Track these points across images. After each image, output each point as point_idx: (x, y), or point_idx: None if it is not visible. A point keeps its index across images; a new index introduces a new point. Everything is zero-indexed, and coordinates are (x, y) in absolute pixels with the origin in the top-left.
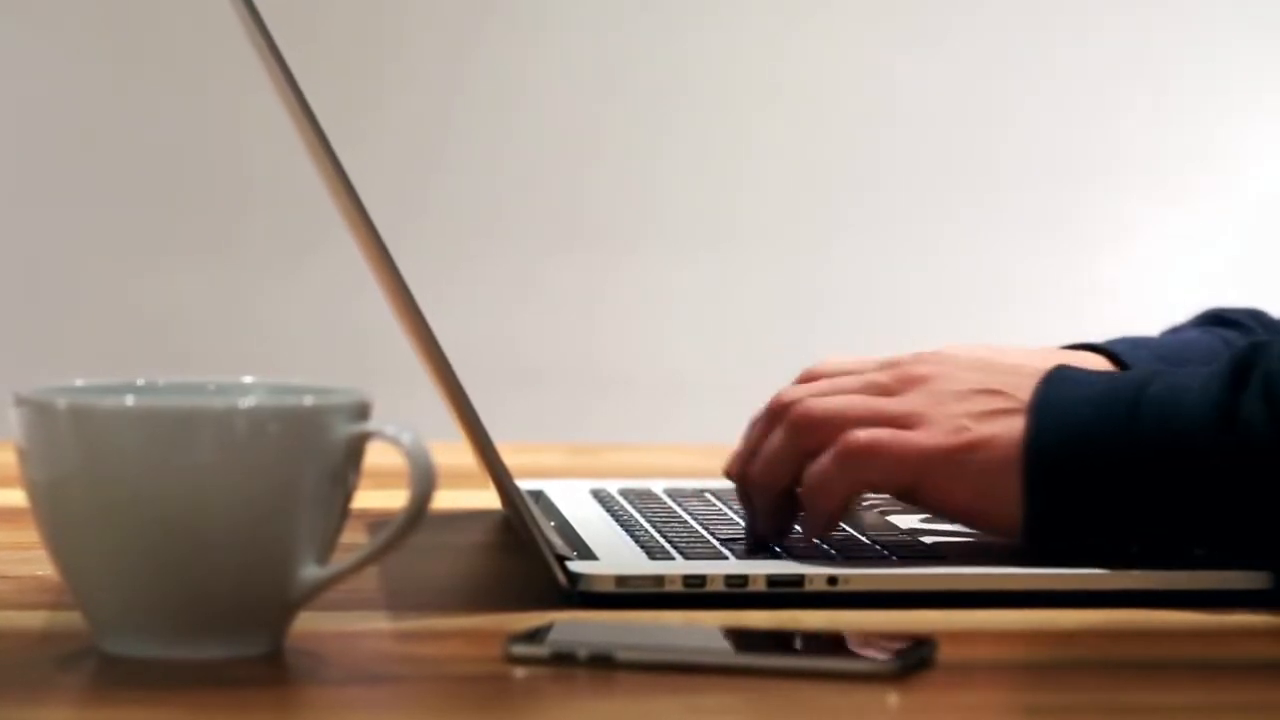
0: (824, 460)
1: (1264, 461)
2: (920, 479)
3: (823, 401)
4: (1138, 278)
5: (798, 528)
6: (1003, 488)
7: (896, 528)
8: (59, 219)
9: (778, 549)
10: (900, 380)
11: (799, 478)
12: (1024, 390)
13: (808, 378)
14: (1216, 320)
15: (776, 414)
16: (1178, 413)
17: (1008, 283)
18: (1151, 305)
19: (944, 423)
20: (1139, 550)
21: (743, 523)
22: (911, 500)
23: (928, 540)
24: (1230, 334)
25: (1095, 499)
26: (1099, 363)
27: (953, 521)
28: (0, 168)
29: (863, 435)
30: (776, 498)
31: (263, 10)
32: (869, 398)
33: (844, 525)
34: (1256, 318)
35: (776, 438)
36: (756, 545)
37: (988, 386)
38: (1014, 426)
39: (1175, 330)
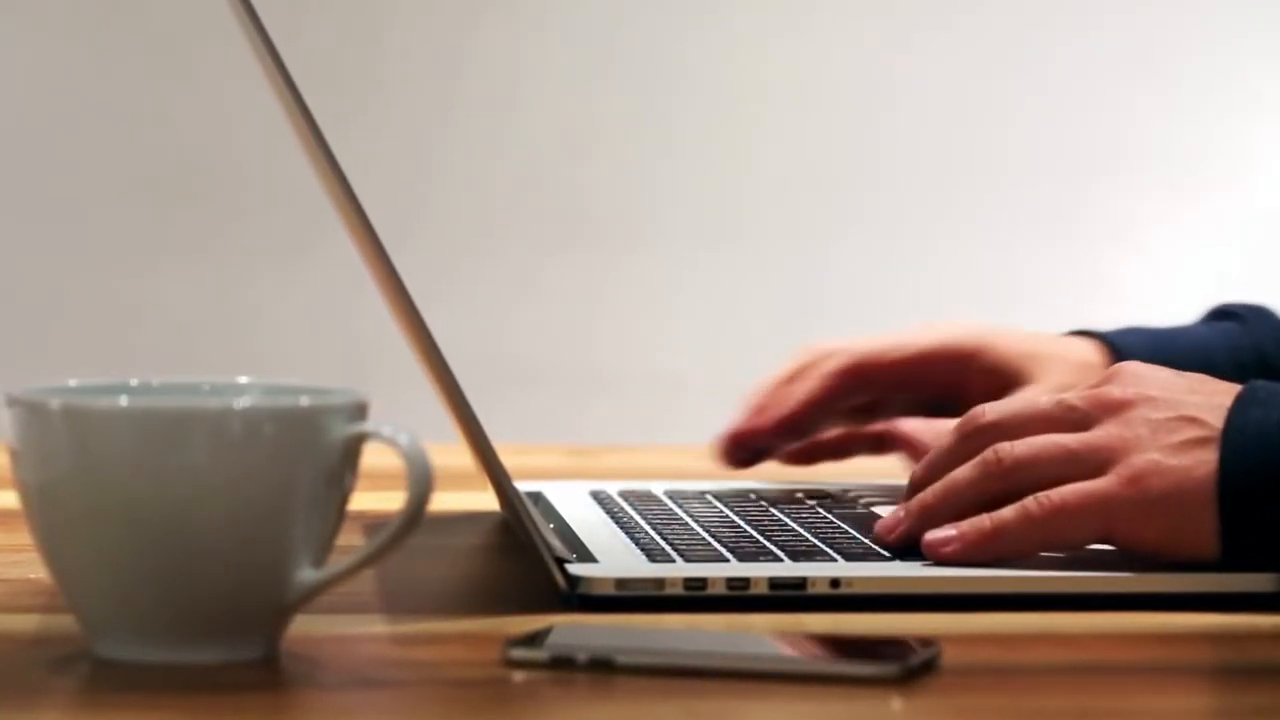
0: (1007, 519)
1: None
2: (1109, 527)
3: (1016, 448)
4: (1144, 275)
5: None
6: (1198, 520)
7: None
8: (54, 219)
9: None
10: (1098, 406)
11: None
12: (1218, 415)
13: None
14: (1223, 315)
15: (972, 435)
16: None
17: (1012, 281)
18: (1158, 302)
19: (1135, 460)
20: None
21: (747, 526)
22: (1106, 543)
23: None
24: (1228, 325)
25: None
26: (1088, 347)
27: (1144, 555)
28: (3, 171)
29: (1050, 501)
30: (946, 521)
31: (259, 8)
32: (1060, 437)
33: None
34: (1257, 311)
35: (965, 474)
36: (891, 545)
37: (1183, 414)
38: (1206, 459)
39: (1177, 326)
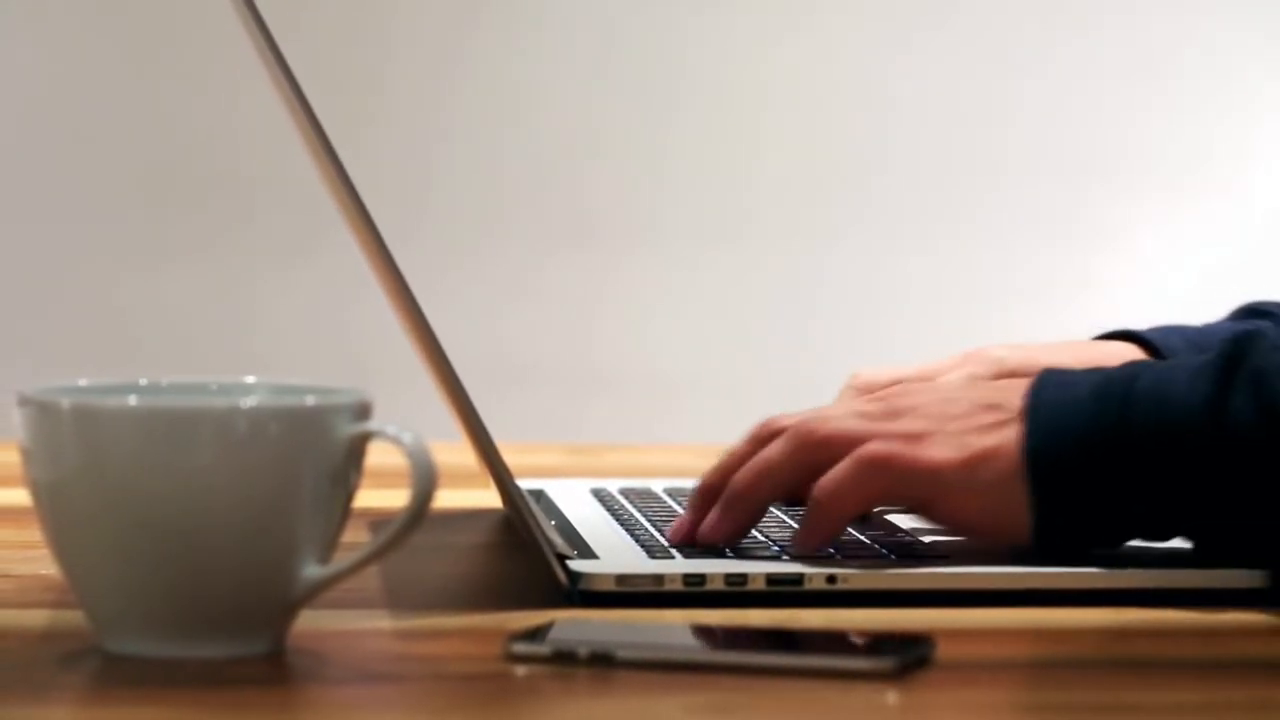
0: (839, 471)
1: (1252, 455)
2: (933, 494)
3: (827, 422)
4: (1139, 277)
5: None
6: (1010, 496)
7: (896, 527)
8: (60, 220)
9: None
10: (892, 410)
11: (782, 492)
12: (1017, 399)
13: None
14: (1251, 312)
15: (773, 432)
16: (1167, 407)
17: (1008, 283)
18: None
19: (949, 439)
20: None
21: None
22: (920, 513)
23: (926, 540)
24: (1263, 323)
25: (1096, 496)
26: (1132, 351)
27: (964, 535)
28: (5, 171)
29: (879, 447)
30: (758, 508)
31: (262, 8)
32: (870, 422)
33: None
34: None
35: (775, 450)
36: (690, 545)
37: (982, 402)
38: (1012, 435)
39: (1215, 322)
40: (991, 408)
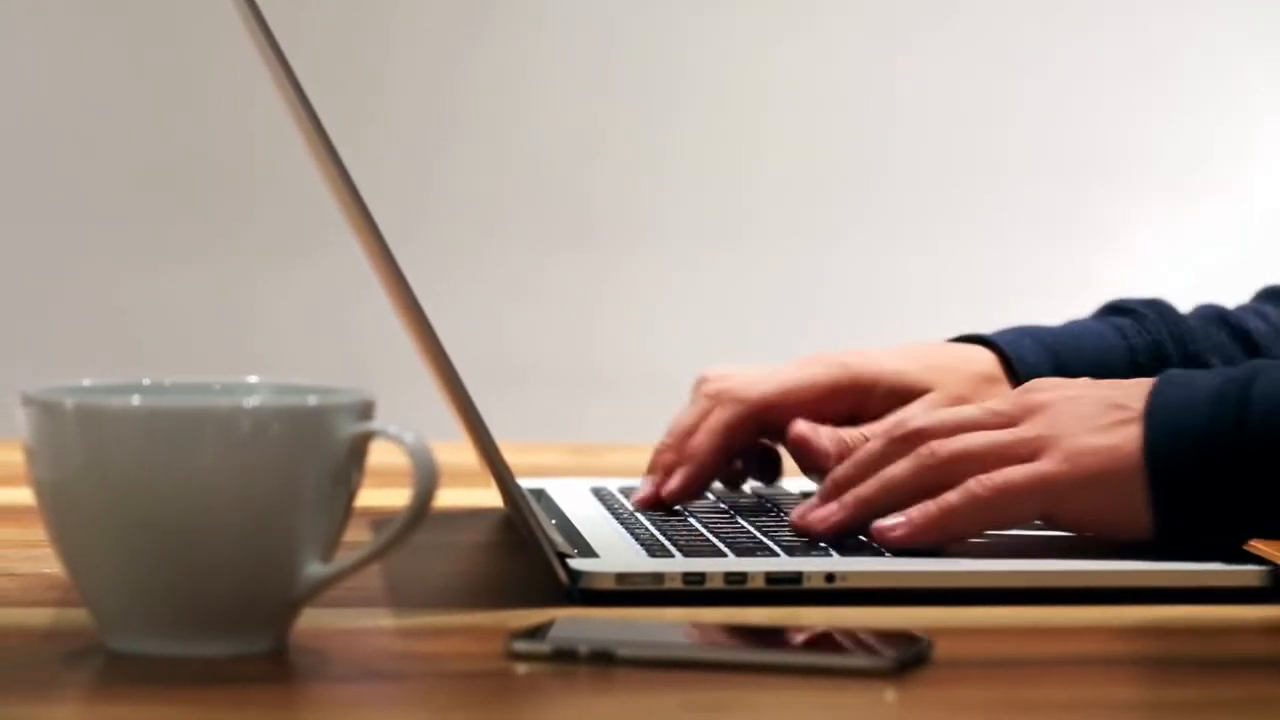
0: (953, 501)
1: None
2: (1052, 507)
3: (950, 443)
4: (1138, 277)
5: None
6: (1131, 495)
7: None
8: (62, 220)
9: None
10: (1022, 408)
11: (905, 504)
12: (1140, 398)
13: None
14: (1114, 310)
15: (901, 440)
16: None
17: (1008, 283)
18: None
19: (1068, 444)
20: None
21: (744, 523)
22: (1048, 525)
23: None
24: (1123, 321)
25: (1215, 495)
26: (983, 357)
27: (1087, 533)
28: (7, 172)
29: (992, 481)
30: (873, 516)
31: (264, 8)
32: (993, 433)
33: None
34: (1153, 306)
35: (901, 469)
36: (819, 537)
37: (1106, 401)
38: (1132, 434)
39: (1073, 321)
40: (1116, 406)
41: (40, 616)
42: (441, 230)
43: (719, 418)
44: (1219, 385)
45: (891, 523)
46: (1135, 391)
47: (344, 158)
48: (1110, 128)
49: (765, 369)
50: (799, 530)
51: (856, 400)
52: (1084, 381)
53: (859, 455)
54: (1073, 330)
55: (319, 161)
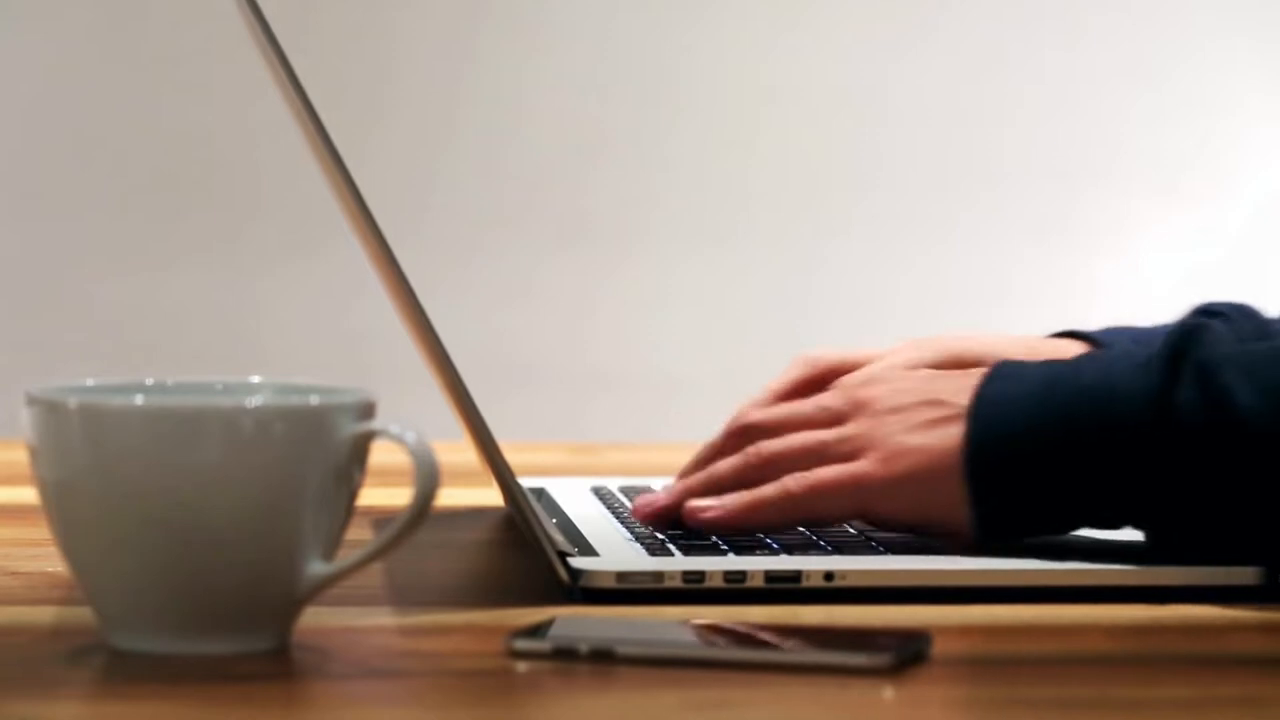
0: (766, 494)
1: (1198, 445)
2: (864, 505)
3: (773, 443)
4: (1132, 279)
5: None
6: (946, 495)
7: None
8: (65, 221)
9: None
10: (849, 404)
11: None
12: (965, 394)
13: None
14: (1203, 313)
15: (735, 434)
16: (1112, 402)
17: (1003, 284)
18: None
19: (886, 444)
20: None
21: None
22: (866, 522)
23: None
24: (1213, 322)
25: (1040, 492)
26: (1080, 350)
27: (904, 531)
28: (10, 171)
29: (806, 479)
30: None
31: (267, 11)
32: (813, 433)
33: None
34: (1240, 309)
35: (727, 464)
36: (662, 521)
37: (929, 397)
38: (951, 434)
39: (1163, 325)
40: (936, 403)
41: (44, 615)
42: (442, 231)
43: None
44: (1047, 377)
45: (704, 504)
46: (964, 385)
47: (346, 159)
48: (1105, 131)
49: (870, 350)
50: (635, 516)
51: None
52: (920, 372)
53: (700, 449)
54: (1165, 329)
55: (321, 163)
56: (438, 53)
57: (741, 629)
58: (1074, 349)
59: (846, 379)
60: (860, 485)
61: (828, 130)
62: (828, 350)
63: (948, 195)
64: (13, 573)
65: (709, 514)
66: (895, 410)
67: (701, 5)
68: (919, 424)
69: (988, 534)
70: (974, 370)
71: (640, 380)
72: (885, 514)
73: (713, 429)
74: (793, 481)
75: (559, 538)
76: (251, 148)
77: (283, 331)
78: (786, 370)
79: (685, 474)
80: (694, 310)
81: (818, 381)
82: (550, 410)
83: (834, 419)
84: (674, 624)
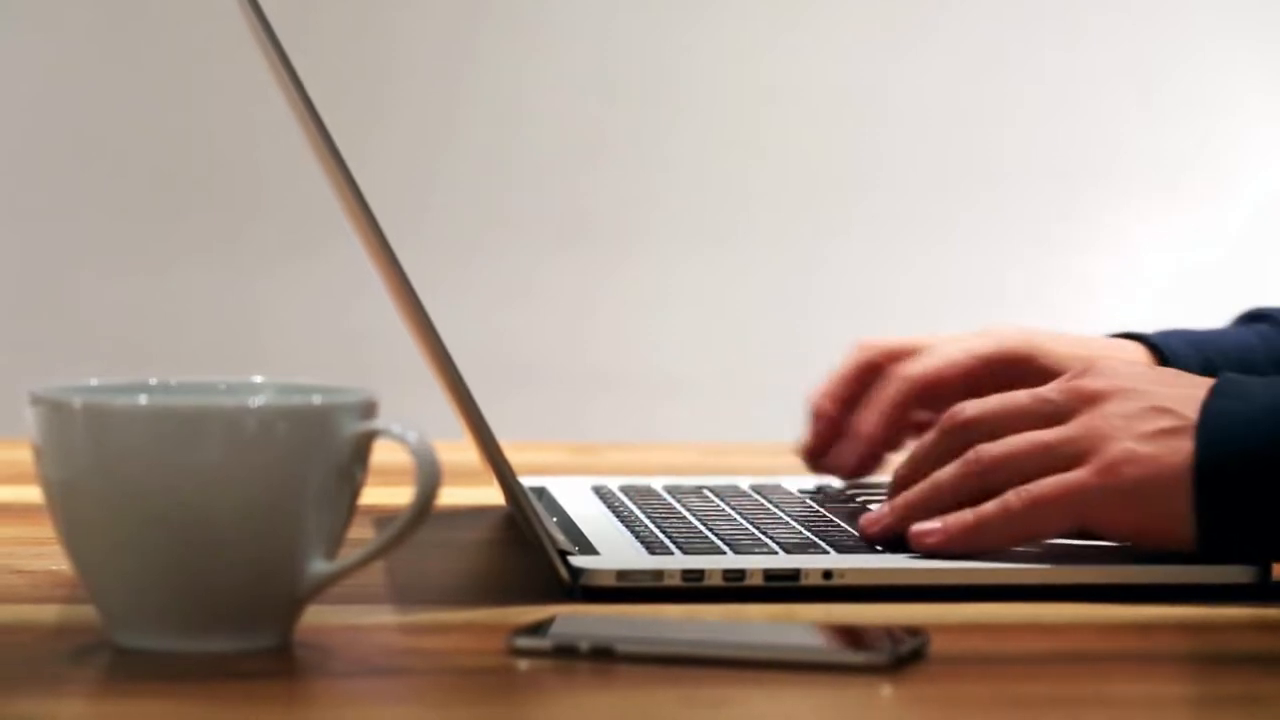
0: (988, 513)
1: None
2: (1087, 517)
3: (994, 448)
4: (1132, 278)
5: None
6: (1172, 508)
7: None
8: (67, 222)
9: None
10: (1074, 398)
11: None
12: (1192, 406)
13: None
14: (1254, 317)
15: (950, 438)
16: None
17: (1003, 284)
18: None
19: (1111, 450)
20: None
21: (743, 520)
22: (1085, 534)
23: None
24: (1263, 327)
25: (1263, 511)
26: (1138, 352)
27: (1125, 542)
28: (11, 171)
29: (1028, 493)
30: (926, 518)
31: (268, 13)
32: (1037, 434)
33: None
34: None
35: (947, 474)
36: (870, 540)
37: (1157, 404)
38: (1180, 447)
39: (1216, 328)
40: (1164, 412)
41: (48, 613)
42: (443, 231)
43: (887, 395)
44: (1274, 397)
45: (928, 528)
46: (1189, 395)
47: (348, 159)
48: (1104, 131)
49: (929, 339)
50: (864, 536)
51: (1014, 376)
52: (1141, 372)
53: (914, 451)
54: (1220, 334)
55: (322, 163)
56: (438, 53)
57: (740, 627)
58: (1134, 350)
59: (1072, 380)
60: (1083, 497)
61: (827, 130)
62: (883, 338)
63: (948, 195)
64: (17, 571)
65: (932, 540)
66: (1124, 416)
67: (701, 6)
68: (1148, 433)
69: (1209, 551)
70: (1199, 380)
71: (640, 380)
72: (1104, 524)
73: (712, 428)
74: (1014, 498)
75: (559, 536)
76: (253, 148)
77: (285, 331)
78: (849, 356)
79: (901, 480)
80: (694, 310)
81: (874, 367)
82: (551, 410)
83: (1055, 413)
84: (674, 622)
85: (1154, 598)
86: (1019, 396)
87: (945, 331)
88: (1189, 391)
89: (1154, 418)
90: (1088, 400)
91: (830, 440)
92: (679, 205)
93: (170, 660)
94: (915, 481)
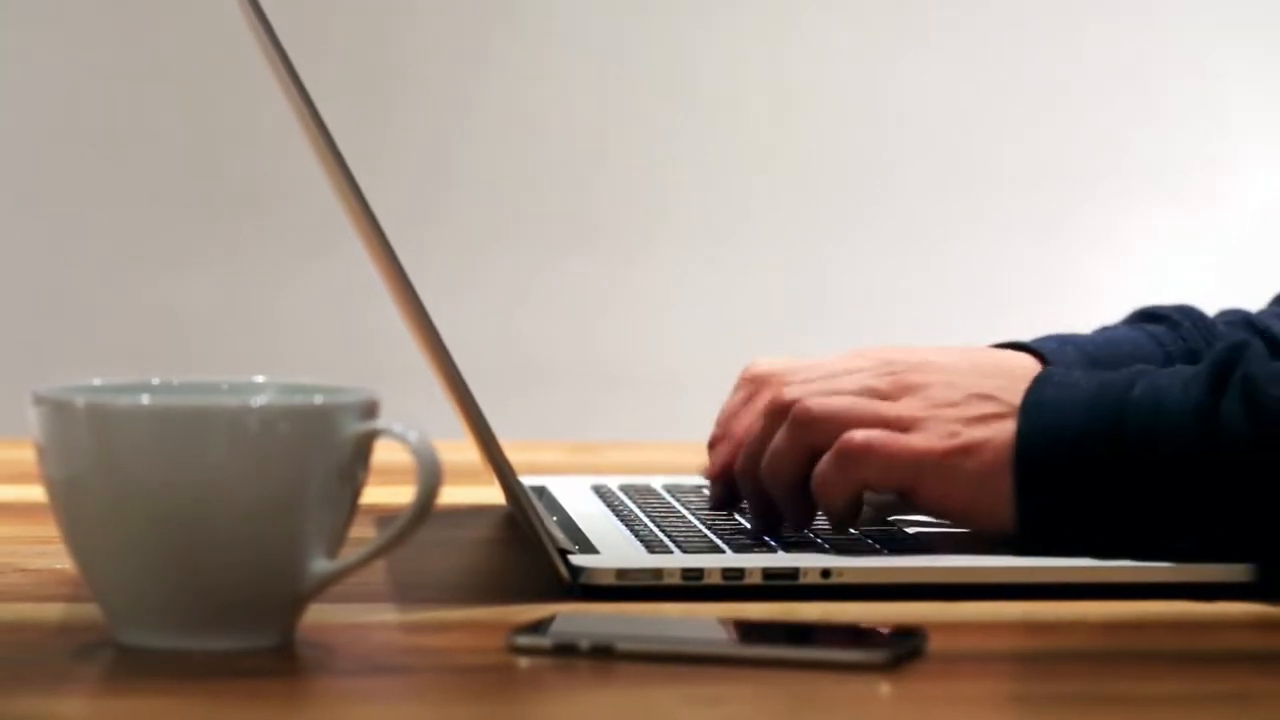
0: (825, 459)
1: (1244, 462)
2: (917, 481)
3: (824, 401)
4: (1127, 282)
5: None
6: (995, 489)
7: (889, 521)
8: (79, 224)
9: (772, 541)
10: (896, 386)
11: (798, 478)
12: (1014, 394)
13: (754, 379)
14: (1147, 317)
15: (777, 412)
16: (1160, 415)
17: (1003, 287)
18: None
19: (938, 427)
20: (1135, 548)
21: (742, 519)
22: (909, 501)
23: (913, 531)
24: (1158, 329)
25: (1084, 498)
26: (1027, 361)
27: (949, 522)
28: (22, 174)
29: (860, 436)
30: (794, 492)
31: (274, 19)
32: (868, 400)
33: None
34: (1185, 313)
35: (782, 437)
36: (759, 537)
37: (980, 391)
38: (1005, 430)
39: (1106, 328)
40: (988, 398)
41: (52, 611)
42: (452, 233)
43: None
44: (1098, 388)
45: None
46: (1012, 385)
47: (356, 163)
48: (1102, 136)
49: (809, 361)
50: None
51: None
52: (966, 366)
53: (748, 444)
54: (1110, 337)
55: (328, 170)
56: (447, 55)
57: (740, 625)
58: (1019, 360)
59: (890, 360)
60: (917, 457)
61: (833, 134)
62: (767, 361)
63: (952, 198)
64: (21, 570)
65: (784, 524)
66: (948, 400)
67: (709, 11)
68: (972, 416)
69: (1030, 532)
70: (1023, 371)
71: (649, 381)
72: (936, 496)
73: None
74: (849, 438)
75: (559, 535)
76: (262, 156)
77: (293, 333)
78: (735, 387)
79: (739, 474)
80: (702, 312)
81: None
82: (559, 411)
83: (881, 398)
84: (673, 620)
85: (1150, 596)
86: (843, 380)
87: (945, 334)
88: (1011, 382)
89: (978, 403)
90: (911, 388)
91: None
92: (687, 207)
93: (173, 658)
94: (753, 469)
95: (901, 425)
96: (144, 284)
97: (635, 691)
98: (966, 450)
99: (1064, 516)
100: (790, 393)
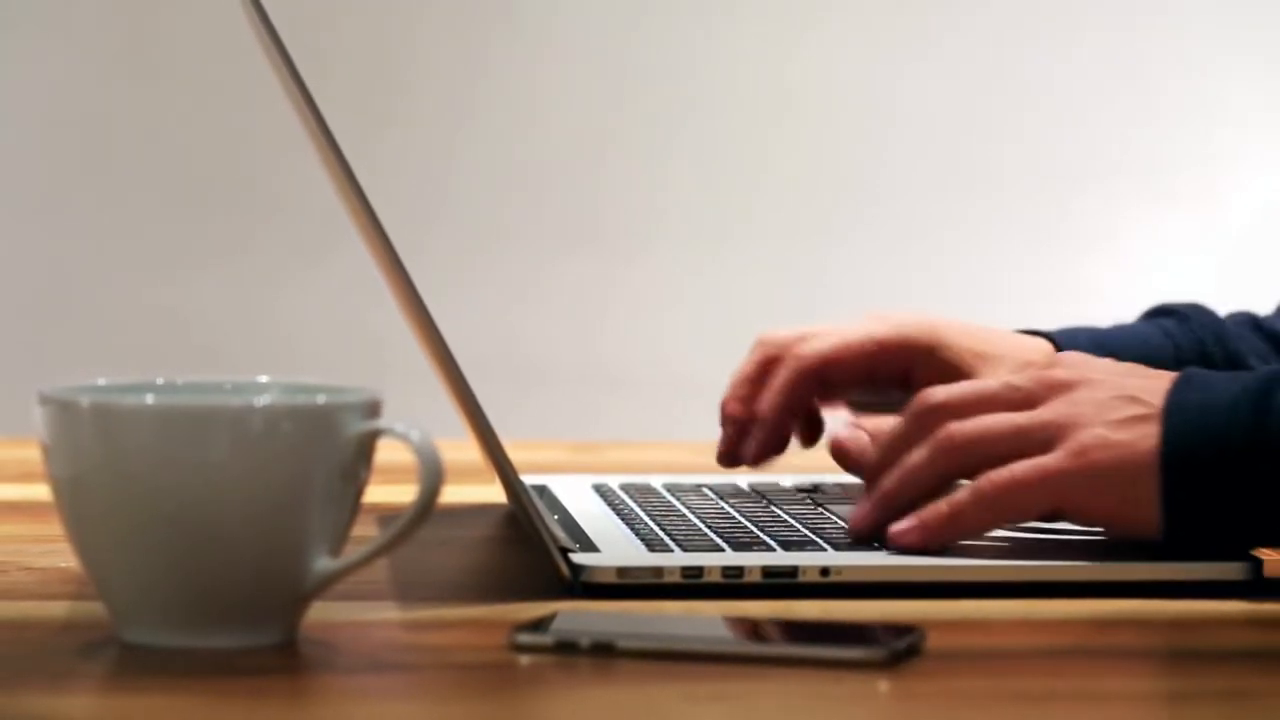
0: (964, 500)
1: None
2: (1060, 501)
3: (966, 427)
4: (1124, 282)
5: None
6: (1141, 493)
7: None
8: (85, 226)
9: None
10: (1042, 386)
11: (929, 493)
12: (1158, 395)
13: (766, 344)
14: (1159, 313)
15: (920, 422)
16: None
17: (1003, 287)
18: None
19: (1082, 435)
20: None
21: (741, 518)
22: (1057, 518)
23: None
24: (1168, 322)
25: (1228, 499)
26: (1037, 345)
27: (1095, 527)
28: (29, 178)
29: (1000, 478)
30: (907, 507)
31: (276, 20)
32: (1010, 416)
33: None
34: (1195, 309)
35: (920, 456)
36: (860, 538)
37: (1124, 393)
38: (1149, 433)
39: (1121, 323)
40: (1134, 400)
41: (57, 609)
42: (453, 234)
43: (783, 377)
44: (1238, 389)
45: (905, 527)
46: (1155, 386)
47: (358, 163)
48: (1101, 136)
49: (824, 325)
50: (852, 533)
51: (909, 362)
52: (1107, 364)
53: (885, 439)
54: (1123, 330)
55: (331, 171)
56: (448, 56)
57: (739, 623)
58: (1037, 345)
59: (1038, 371)
60: (1057, 478)
61: (831, 136)
62: (782, 329)
63: (948, 199)
64: (26, 568)
65: (911, 537)
66: (1094, 402)
67: (710, 11)
68: (1118, 420)
69: (1175, 535)
70: (1162, 372)
71: (649, 381)
72: (1080, 509)
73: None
74: (987, 484)
75: (560, 534)
76: (265, 157)
77: (296, 333)
78: (749, 353)
79: (873, 468)
80: (704, 311)
81: (774, 360)
82: (560, 411)
83: (1024, 400)
84: (673, 618)
85: (1147, 593)
86: (989, 383)
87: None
88: (1154, 382)
89: (1123, 405)
90: (1057, 388)
91: (741, 441)
92: (687, 207)
93: (177, 656)
94: (886, 468)
95: (1044, 437)
96: (148, 284)
97: (636, 689)
98: (1110, 458)
99: (1208, 517)
100: (935, 397)
